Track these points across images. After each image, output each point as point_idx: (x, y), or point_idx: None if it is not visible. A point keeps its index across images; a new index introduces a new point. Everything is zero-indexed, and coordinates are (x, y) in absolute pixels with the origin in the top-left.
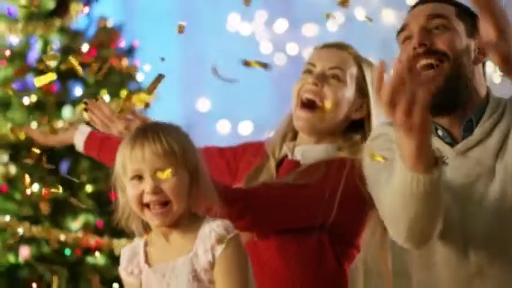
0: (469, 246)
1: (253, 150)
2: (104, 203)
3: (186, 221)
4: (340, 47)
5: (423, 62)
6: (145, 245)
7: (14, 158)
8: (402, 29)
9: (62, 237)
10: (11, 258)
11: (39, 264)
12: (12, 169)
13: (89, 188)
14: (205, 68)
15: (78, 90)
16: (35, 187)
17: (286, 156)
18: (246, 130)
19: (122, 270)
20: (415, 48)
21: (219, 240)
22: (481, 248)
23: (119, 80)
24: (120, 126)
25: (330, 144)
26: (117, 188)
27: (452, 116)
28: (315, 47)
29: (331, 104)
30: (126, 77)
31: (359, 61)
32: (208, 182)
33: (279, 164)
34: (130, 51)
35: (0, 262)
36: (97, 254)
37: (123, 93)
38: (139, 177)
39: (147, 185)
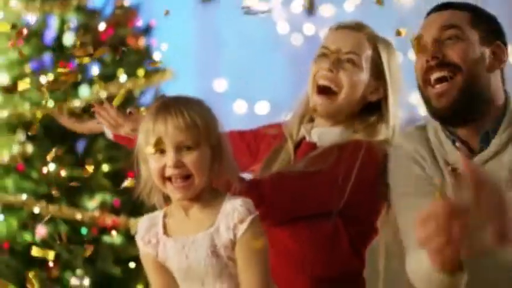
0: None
1: (273, 132)
2: (120, 182)
3: (207, 195)
4: (355, 28)
5: (436, 75)
6: (164, 216)
7: (31, 137)
8: (416, 42)
9: (79, 216)
10: (28, 237)
11: (56, 243)
12: (29, 148)
13: (105, 167)
14: (222, 48)
15: (95, 70)
16: (51, 166)
17: (304, 138)
18: (262, 110)
19: (139, 240)
20: (428, 61)
21: (242, 220)
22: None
23: (135, 59)
24: (127, 128)
25: (346, 126)
26: (140, 161)
27: (470, 127)
28: (329, 28)
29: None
30: (143, 56)
31: (375, 42)
32: (230, 157)
33: (297, 145)
34: (147, 30)
35: (17, 241)
36: (113, 233)
37: (140, 72)
38: (161, 151)
39: (169, 158)
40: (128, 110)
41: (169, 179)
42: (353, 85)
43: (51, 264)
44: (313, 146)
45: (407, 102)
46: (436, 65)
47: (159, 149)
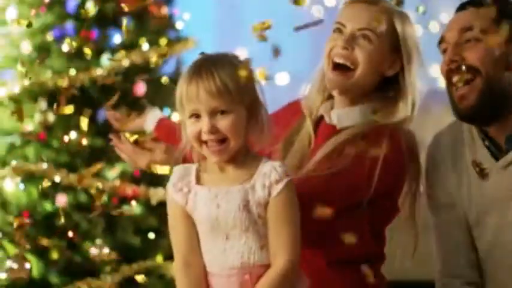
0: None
1: (292, 109)
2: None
3: (242, 157)
4: (369, 2)
5: (456, 78)
6: (198, 169)
7: (53, 106)
8: (440, 42)
9: (99, 185)
10: (48, 206)
11: (76, 212)
12: (50, 117)
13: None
14: (242, 20)
15: (117, 38)
16: (73, 135)
17: (323, 116)
18: (282, 81)
19: (171, 187)
20: (448, 64)
21: (278, 180)
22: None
23: (157, 27)
24: (145, 161)
25: (365, 105)
26: (181, 122)
27: (496, 126)
28: (344, 2)
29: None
30: (166, 25)
31: (390, 15)
32: (265, 113)
33: (317, 123)
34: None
35: (37, 210)
36: (133, 203)
37: (163, 41)
38: (196, 116)
39: (203, 124)
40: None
41: (206, 142)
42: (369, 61)
43: (70, 233)
44: (333, 128)
45: (427, 75)
46: (455, 68)
47: (194, 114)
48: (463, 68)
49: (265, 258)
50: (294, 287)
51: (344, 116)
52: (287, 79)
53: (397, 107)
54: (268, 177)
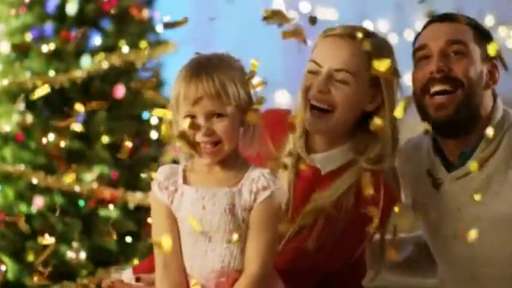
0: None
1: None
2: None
3: (232, 160)
4: (345, 35)
5: (438, 87)
6: (184, 170)
7: (31, 107)
8: (420, 48)
9: (76, 188)
10: (24, 208)
11: (52, 214)
12: (29, 118)
13: (105, 139)
14: (219, 23)
15: (97, 40)
16: (51, 137)
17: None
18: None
19: (156, 185)
20: (432, 72)
21: (265, 187)
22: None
23: (138, 30)
24: None
25: (347, 145)
26: (171, 121)
27: (457, 141)
28: (319, 35)
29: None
30: (146, 28)
31: (369, 51)
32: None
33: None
34: (150, 2)
35: (13, 211)
36: (111, 206)
37: (143, 44)
38: (192, 117)
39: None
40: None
41: (198, 143)
42: (347, 102)
43: (47, 236)
44: (316, 170)
45: (401, 84)
46: (439, 78)
47: (190, 115)
48: (453, 79)
49: (243, 264)
50: None
51: (327, 161)
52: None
53: (377, 146)
54: (256, 183)
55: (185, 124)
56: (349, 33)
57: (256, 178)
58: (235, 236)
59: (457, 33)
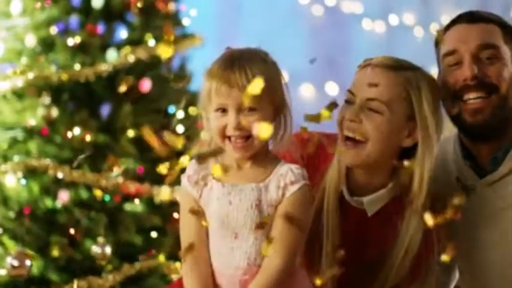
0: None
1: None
2: (145, 148)
3: (262, 155)
4: (385, 66)
5: (472, 95)
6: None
7: (56, 101)
8: (449, 54)
9: (102, 182)
10: (49, 203)
11: (77, 209)
12: (54, 112)
13: (130, 133)
14: (244, 17)
15: (123, 33)
16: (76, 131)
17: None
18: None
19: (186, 178)
20: (466, 80)
21: (293, 182)
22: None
23: (164, 23)
24: None
25: (390, 185)
26: (203, 114)
27: (490, 145)
28: (358, 65)
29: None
30: (172, 21)
31: (406, 82)
32: (290, 116)
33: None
34: None
35: (39, 206)
36: (136, 201)
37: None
38: (223, 110)
39: (230, 119)
40: None
41: (229, 137)
42: (379, 133)
43: (72, 231)
44: (363, 213)
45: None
46: (474, 85)
47: (221, 108)
48: (488, 85)
49: None
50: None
51: (373, 203)
52: (286, 77)
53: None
54: (284, 178)
55: (216, 120)
56: (385, 64)
57: (284, 173)
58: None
59: (488, 36)
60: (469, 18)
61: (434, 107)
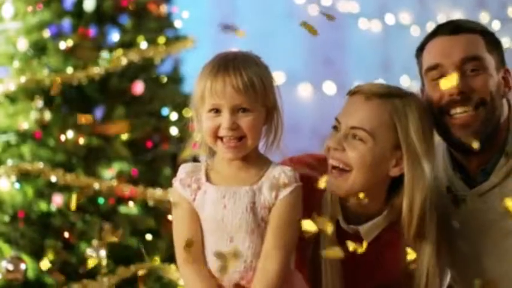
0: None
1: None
2: (139, 151)
3: (254, 156)
4: (374, 94)
5: (460, 109)
6: (206, 168)
7: (49, 104)
8: (432, 68)
9: (96, 185)
10: (44, 206)
11: (72, 212)
12: (47, 115)
13: (124, 136)
14: (239, 17)
15: (115, 36)
16: (69, 134)
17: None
18: (278, 80)
19: (178, 182)
20: (452, 94)
21: (286, 184)
22: None
23: (156, 26)
24: None
25: (385, 212)
26: (194, 116)
27: (477, 156)
28: (349, 91)
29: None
30: (164, 24)
31: (391, 112)
32: (281, 120)
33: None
34: None
35: (33, 209)
36: (130, 203)
37: (161, 39)
38: (216, 111)
39: (224, 120)
40: None
41: (221, 138)
42: (362, 162)
43: (66, 234)
44: (361, 240)
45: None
46: (460, 99)
47: (215, 108)
48: (474, 98)
49: None
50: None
51: (371, 230)
52: (283, 78)
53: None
54: (277, 180)
55: (208, 120)
56: (373, 92)
57: (277, 175)
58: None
59: (471, 48)
60: (451, 29)
61: (423, 135)
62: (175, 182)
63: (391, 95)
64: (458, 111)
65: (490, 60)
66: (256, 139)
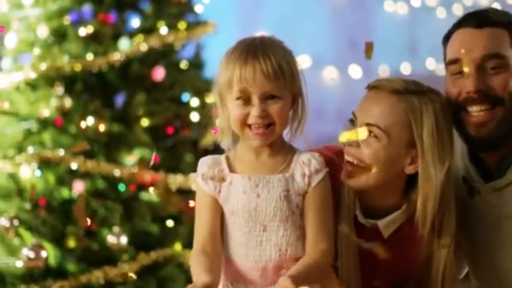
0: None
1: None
2: (160, 137)
3: (278, 145)
4: (390, 90)
5: (476, 107)
6: (227, 159)
7: (70, 91)
8: (452, 62)
9: (117, 172)
10: (65, 193)
11: (93, 199)
12: (67, 102)
13: (145, 122)
14: (264, 1)
15: (135, 22)
16: (90, 121)
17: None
18: (303, 64)
19: (199, 176)
20: (469, 92)
21: (318, 170)
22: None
23: (177, 11)
24: None
25: (403, 208)
26: (217, 101)
27: (497, 152)
28: (367, 85)
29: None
30: (185, 9)
31: (407, 110)
32: (305, 106)
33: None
34: None
35: (54, 197)
36: (151, 190)
37: (182, 25)
38: (244, 98)
39: (255, 107)
40: None
41: (249, 125)
42: (376, 161)
43: (88, 221)
44: (378, 233)
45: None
46: (477, 97)
47: (242, 96)
48: (492, 97)
49: (300, 251)
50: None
51: (388, 225)
52: (309, 62)
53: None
54: (308, 166)
55: (236, 108)
56: (390, 88)
57: (306, 161)
58: None
59: (494, 45)
60: (476, 22)
61: (437, 134)
62: (197, 177)
63: (409, 92)
64: (475, 110)
65: None
66: (284, 125)
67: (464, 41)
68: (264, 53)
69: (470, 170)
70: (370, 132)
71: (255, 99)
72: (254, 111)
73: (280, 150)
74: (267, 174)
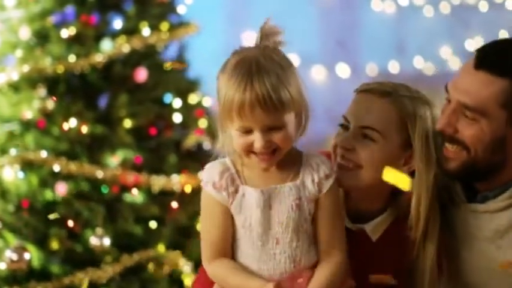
0: None
1: None
2: (143, 138)
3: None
4: (381, 93)
5: (445, 144)
6: (234, 165)
7: (52, 93)
8: (446, 88)
9: (100, 173)
10: (48, 195)
11: (76, 201)
12: (50, 104)
13: (127, 123)
14: (248, 2)
15: (117, 23)
16: (73, 122)
17: None
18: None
19: (210, 186)
20: (442, 130)
21: (327, 176)
22: None
23: (159, 12)
24: None
25: (391, 209)
26: (218, 125)
27: (478, 183)
28: (355, 89)
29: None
30: (167, 9)
31: (401, 111)
32: (309, 112)
33: None
34: None
35: (37, 199)
36: (134, 191)
37: (164, 26)
38: (246, 131)
39: (257, 140)
40: None
41: (254, 151)
42: (373, 162)
43: (71, 223)
44: (366, 238)
45: (436, 57)
46: (447, 135)
47: (245, 129)
48: (459, 141)
49: (313, 259)
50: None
51: (376, 228)
52: (297, 61)
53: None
54: (317, 171)
55: (239, 138)
56: (381, 90)
57: (315, 166)
58: None
59: (479, 97)
60: (476, 60)
61: (430, 135)
62: (207, 185)
63: (400, 94)
64: (447, 144)
65: (500, 115)
66: (290, 145)
67: (458, 78)
68: (260, 83)
69: (456, 183)
70: (366, 135)
71: (257, 132)
72: (257, 143)
73: (288, 156)
74: (278, 184)
